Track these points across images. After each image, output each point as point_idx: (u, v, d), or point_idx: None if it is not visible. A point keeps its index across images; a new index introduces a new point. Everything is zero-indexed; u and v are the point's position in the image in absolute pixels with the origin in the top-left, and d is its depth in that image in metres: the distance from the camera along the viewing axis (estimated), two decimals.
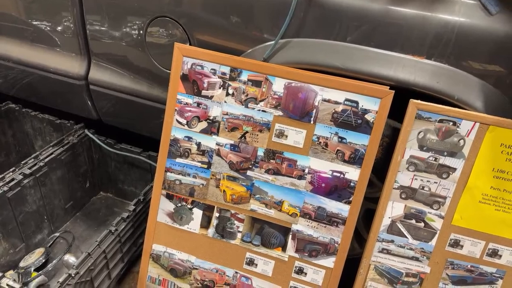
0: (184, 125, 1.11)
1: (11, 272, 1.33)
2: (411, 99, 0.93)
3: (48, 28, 1.37)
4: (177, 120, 1.11)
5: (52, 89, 1.52)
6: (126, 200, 1.75)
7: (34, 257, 1.36)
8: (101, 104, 1.47)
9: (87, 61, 1.39)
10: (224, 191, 1.11)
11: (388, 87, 0.93)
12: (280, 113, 1.03)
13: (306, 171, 1.03)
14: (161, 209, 1.17)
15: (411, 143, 0.95)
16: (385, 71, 0.94)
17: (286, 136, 1.03)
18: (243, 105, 1.06)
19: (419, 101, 0.92)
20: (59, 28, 1.35)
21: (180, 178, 1.14)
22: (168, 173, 1.14)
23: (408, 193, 0.98)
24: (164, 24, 1.16)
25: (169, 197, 1.16)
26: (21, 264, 1.34)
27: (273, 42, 1.03)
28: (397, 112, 0.96)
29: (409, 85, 0.93)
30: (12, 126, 1.77)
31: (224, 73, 1.05)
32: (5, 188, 1.29)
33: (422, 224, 0.99)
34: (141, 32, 1.21)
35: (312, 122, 1.01)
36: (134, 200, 1.33)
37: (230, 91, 1.06)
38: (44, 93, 1.59)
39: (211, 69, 1.06)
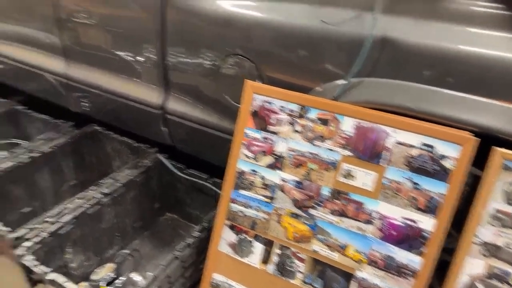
0: (250, 159, 1.13)
1: (84, 283, 1.44)
2: (494, 147, 0.85)
3: (132, 60, 1.51)
4: (243, 153, 1.14)
5: (132, 116, 1.66)
6: (191, 223, 1.82)
7: (104, 271, 1.46)
8: (175, 131, 1.56)
9: (165, 92, 1.50)
10: (286, 227, 1.10)
11: (470, 133, 0.87)
12: (349, 153, 1.00)
13: (375, 215, 0.99)
14: (223, 239, 1.19)
15: (496, 195, 0.86)
16: (465, 116, 0.88)
17: (354, 177, 1.00)
18: (309, 142, 1.05)
19: (506, 151, 0.84)
20: (142, 60, 1.48)
21: (243, 210, 1.15)
22: (232, 204, 1.17)
23: (491, 250, 0.88)
24: (237, 60, 1.21)
25: (232, 227, 1.18)
26: (93, 277, 1.45)
27: (343, 80, 1.03)
28: (476, 157, 0.89)
29: (495, 132, 0.85)
30: (95, 147, 1.96)
31: (292, 110, 1.07)
32: (87, 205, 1.42)
33: (506, 287, 0.88)
34: (216, 67, 1.28)
35: (383, 164, 0.96)
36: (199, 226, 1.37)
37: (297, 128, 1.06)
38: (125, 119, 1.74)
39: (280, 106, 1.08)
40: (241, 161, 1.15)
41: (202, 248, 1.40)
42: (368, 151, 0.98)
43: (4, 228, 1.28)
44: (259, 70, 1.18)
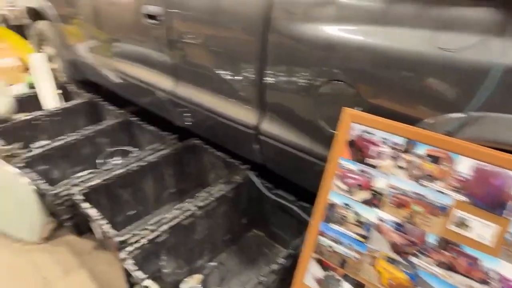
0: (343, 191, 1.06)
1: None
2: None
3: (231, 79, 1.56)
4: (336, 185, 1.07)
5: (228, 133, 1.72)
6: (276, 243, 1.80)
7: (193, 281, 1.53)
8: (267, 151, 1.57)
9: (260, 113, 1.52)
10: (380, 272, 0.99)
11: None
12: (464, 198, 0.86)
13: (493, 275, 0.82)
14: (310, 272, 1.13)
15: None
16: None
17: (469, 227, 0.86)
18: (415, 181, 0.94)
19: None
20: (240, 79, 1.52)
21: (332, 245, 1.08)
22: (321, 237, 1.11)
23: None
24: (337, 85, 1.16)
25: (319, 262, 1.11)
26: (182, 286, 1.52)
27: (460, 113, 0.89)
28: None
29: None
30: (194, 159, 2.09)
31: (396, 143, 0.96)
32: (182, 217, 1.50)
33: None
34: (314, 91, 1.24)
35: (507, 216, 0.80)
36: (285, 252, 1.34)
37: (401, 164, 0.96)
38: (221, 135, 1.82)
39: (382, 137, 0.99)
40: (333, 193, 1.08)
41: (287, 276, 1.37)
42: (489, 199, 0.83)
43: (112, 231, 1.43)
44: (360, 96, 1.10)
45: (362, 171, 1.02)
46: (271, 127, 1.47)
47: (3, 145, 1.99)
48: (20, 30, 4.20)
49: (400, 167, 0.96)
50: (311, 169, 1.37)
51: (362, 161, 1.02)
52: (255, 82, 1.45)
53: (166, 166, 2.00)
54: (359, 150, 1.03)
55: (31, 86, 2.77)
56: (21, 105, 2.59)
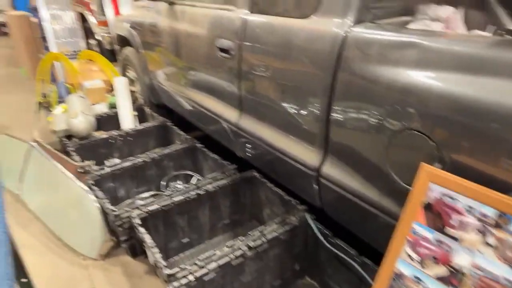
0: (414, 262, 0.91)
1: None
2: None
3: (295, 114, 1.50)
4: (406, 253, 0.93)
5: (287, 171, 1.64)
6: None
7: None
8: (327, 196, 1.46)
9: (323, 155, 1.42)
10: None
11: None
12: None
13: None
14: None
15: None
16: None
17: None
18: (508, 265, 0.76)
19: None
20: (305, 113, 1.45)
21: None
22: None
23: None
24: (412, 135, 1.03)
25: None
26: None
27: None
28: None
29: None
30: (251, 191, 2.04)
31: (485, 215, 0.80)
32: (232, 256, 1.44)
33: None
34: (386, 137, 1.12)
35: None
36: None
37: (491, 241, 0.79)
38: (280, 172, 1.75)
39: (467, 205, 0.83)
40: (401, 261, 0.93)
41: None
42: None
43: (162, 262, 1.41)
44: (440, 151, 0.96)
45: (440, 241, 0.87)
46: (334, 171, 1.37)
47: (78, 161, 2.15)
48: (112, 54, 4.69)
49: (489, 245, 0.79)
50: (376, 223, 1.23)
51: (440, 230, 0.87)
52: (320, 118, 1.37)
53: (223, 197, 1.98)
54: (437, 216, 0.88)
55: (112, 106, 3.00)
56: (101, 124, 2.81)
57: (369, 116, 1.16)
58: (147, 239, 1.57)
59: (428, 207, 0.90)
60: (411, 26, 1.28)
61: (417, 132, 1.01)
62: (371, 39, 1.16)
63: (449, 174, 0.89)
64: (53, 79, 3.43)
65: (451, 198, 0.86)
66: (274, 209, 1.92)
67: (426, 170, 0.91)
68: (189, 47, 2.23)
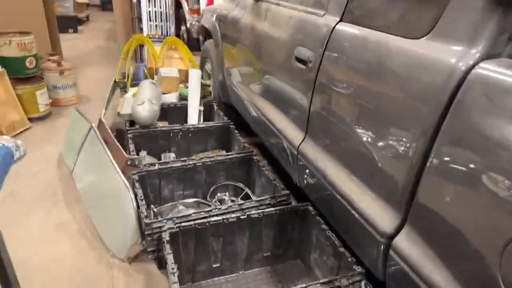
0: None
1: None
2: None
3: (376, 153, 1.16)
4: None
5: (348, 222, 1.32)
6: None
7: None
8: (394, 273, 1.11)
9: (401, 221, 1.07)
10: None
11: None
12: None
13: None
14: None
15: None
16: None
17: None
18: None
19: None
20: (390, 157, 1.10)
21: None
22: None
23: None
24: None
25: None
26: None
27: None
28: None
29: None
30: (301, 226, 1.75)
31: None
32: None
33: None
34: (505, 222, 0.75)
35: None
36: None
37: None
38: (339, 219, 1.42)
39: None
40: None
41: None
42: None
43: None
44: None
45: None
46: (410, 244, 1.01)
47: (132, 152, 2.06)
48: (198, 44, 4.69)
49: None
50: None
51: None
52: (409, 169, 1.01)
53: (267, 225, 1.71)
54: None
55: (182, 98, 2.91)
56: (168, 114, 2.74)
57: (481, 185, 0.80)
58: (170, 260, 1.39)
59: None
60: None
61: None
62: (508, 85, 0.78)
63: None
64: (138, 61, 3.50)
65: None
66: (324, 257, 1.61)
67: None
68: (266, 49, 1.99)
